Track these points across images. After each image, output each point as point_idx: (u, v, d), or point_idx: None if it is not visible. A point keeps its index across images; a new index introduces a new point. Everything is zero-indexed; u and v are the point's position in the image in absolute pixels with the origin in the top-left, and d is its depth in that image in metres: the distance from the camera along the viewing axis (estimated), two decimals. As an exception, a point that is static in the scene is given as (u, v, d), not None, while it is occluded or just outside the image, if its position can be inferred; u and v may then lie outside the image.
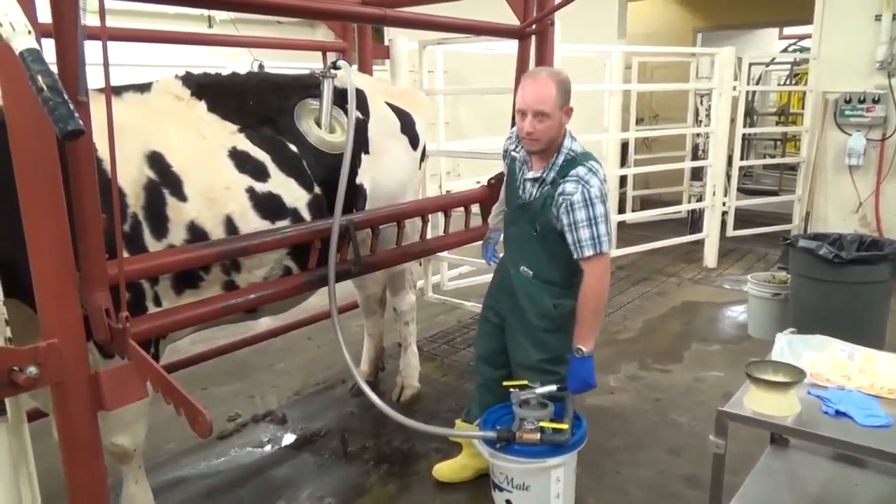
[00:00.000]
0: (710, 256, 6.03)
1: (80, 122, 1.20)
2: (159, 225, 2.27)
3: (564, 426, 2.26)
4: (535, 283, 2.47)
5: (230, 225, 2.44)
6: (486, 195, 3.38)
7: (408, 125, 3.24)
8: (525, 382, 2.40)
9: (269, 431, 3.35)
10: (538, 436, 2.26)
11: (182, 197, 2.32)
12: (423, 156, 3.48)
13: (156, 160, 2.30)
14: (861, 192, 5.94)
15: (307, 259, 2.67)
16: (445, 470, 2.88)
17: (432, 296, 4.72)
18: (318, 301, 2.97)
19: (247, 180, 2.51)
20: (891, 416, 1.86)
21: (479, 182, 3.46)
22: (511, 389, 2.39)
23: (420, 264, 4.64)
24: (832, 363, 2.12)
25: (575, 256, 2.33)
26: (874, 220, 5.93)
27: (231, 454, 3.15)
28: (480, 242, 3.02)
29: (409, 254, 3.20)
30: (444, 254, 4.35)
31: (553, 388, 2.33)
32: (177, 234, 2.31)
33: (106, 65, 1.67)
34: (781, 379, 1.96)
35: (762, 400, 1.93)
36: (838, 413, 1.90)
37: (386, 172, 3.08)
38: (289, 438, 3.29)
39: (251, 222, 2.49)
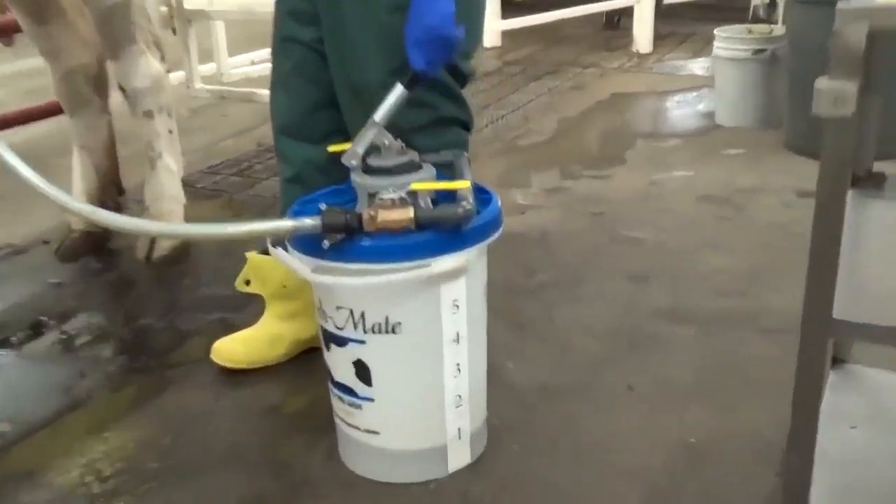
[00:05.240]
0: (643, 39, 5.98)
1: None
2: None
3: (464, 184, 1.53)
4: None
5: None
6: None
7: None
8: None
9: None
10: (410, 212, 1.47)
11: None
12: None
13: None
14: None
15: None
16: (236, 348, 2.20)
17: (203, 87, 4.03)
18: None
19: None
20: None
21: None
22: (341, 154, 1.71)
23: (174, 32, 3.92)
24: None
25: None
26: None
27: None
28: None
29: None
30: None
31: (399, 91, 1.65)
32: None
33: None
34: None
35: None
36: None
37: None
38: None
39: None
